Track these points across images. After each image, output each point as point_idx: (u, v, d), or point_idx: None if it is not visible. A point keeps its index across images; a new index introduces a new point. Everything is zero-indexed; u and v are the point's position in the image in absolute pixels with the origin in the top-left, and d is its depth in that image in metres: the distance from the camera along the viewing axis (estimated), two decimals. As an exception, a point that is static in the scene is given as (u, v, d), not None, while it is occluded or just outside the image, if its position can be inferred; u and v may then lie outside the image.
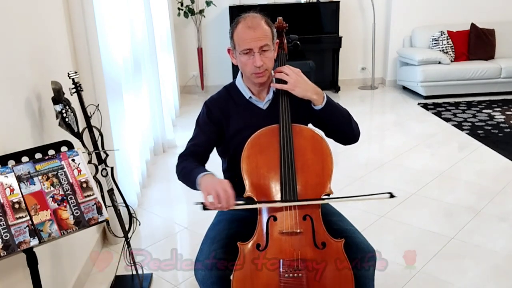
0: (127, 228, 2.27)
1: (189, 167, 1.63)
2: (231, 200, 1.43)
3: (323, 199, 1.56)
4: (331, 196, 1.57)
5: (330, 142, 1.69)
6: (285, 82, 1.65)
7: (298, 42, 1.83)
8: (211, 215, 1.86)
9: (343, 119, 1.72)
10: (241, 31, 1.60)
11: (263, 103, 1.74)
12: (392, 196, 1.52)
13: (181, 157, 1.72)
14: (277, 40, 1.70)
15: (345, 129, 1.73)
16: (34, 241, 1.37)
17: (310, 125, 1.74)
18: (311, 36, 5.97)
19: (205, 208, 1.45)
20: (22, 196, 1.40)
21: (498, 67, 5.59)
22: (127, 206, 2.25)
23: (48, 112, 2.02)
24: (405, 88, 6.24)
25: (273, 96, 1.73)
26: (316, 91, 1.65)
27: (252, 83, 1.71)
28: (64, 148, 1.54)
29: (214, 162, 1.90)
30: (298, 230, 1.50)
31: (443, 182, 3.42)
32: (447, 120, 4.90)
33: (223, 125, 1.74)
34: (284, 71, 1.65)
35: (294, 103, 1.66)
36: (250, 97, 1.73)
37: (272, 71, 1.72)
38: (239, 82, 1.76)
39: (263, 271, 1.48)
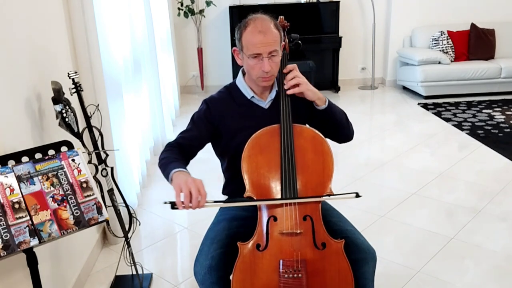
0: (127, 228, 2.27)
1: (170, 159, 1.61)
2: (203, 200, 1.42)
3: (305, 197, 1.54)
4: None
5: (330, 142, 1.69)
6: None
7: (299, 42, 1.83)
8: (211, 215, 1.86)
9: (342, 118, 1.75)
10: (250, 35, 1.59)
11: (265, 103, 1.74)
12: (358, 196, 1.52)
13: (168, 146, 1.71)
14: (283, 42, 1.69)
15: (343, 128, 1.77)
16: (34, 241, 1.37)
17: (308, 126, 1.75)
18: (311, 36, 5.97)
19: (173, 207, 1.42)
20: (22, 196, 1.40)
21: (498, 67, 5.59)
22: (127, 206, 2.25)
23: (48, 112, 2.02)
24: (405, 88, 6.24)
25: (275, 96, 1.73)
26: (318, 92, 1.68)
27: (255, 84, 1.71)
28: (64, 148, 1.54)
29: (214, 162, 1.89)
30: (298, 231, 1.50)
31: (443, 182, 3.42)
32: (447, 120, 4.90)
33: (220, 125, 1.73)
34: (297, 75, 1.64)
35: (294, 103, 1.66)
36: (252, 96, 1.73)
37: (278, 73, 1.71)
38: (240, 82, 1.76)
39: (263, 271, 1.48)
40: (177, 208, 1.41)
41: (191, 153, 1.74)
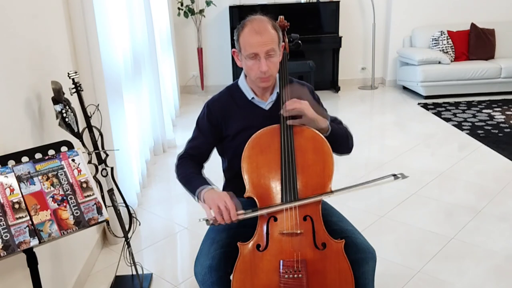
0: (127, 228, 2.27)
1: (191, 174, 1.67)
2: (233, 211, 1.46)
3: (323, 193, 1.54)
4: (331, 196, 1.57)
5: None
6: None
7: (299, 42, 1.83)
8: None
9: (343, 141, 1.75)
10: (247, 35, 1.60)
11: (265, 104, 1.74)
12: (396, 177, 1.50)
13: (181, 158, 1.75)
14: (283, 43, 1.69)
15: (342, 148, 1.76)
16: (34, 241, 1.37)
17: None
18: (311, 36, 5.97)
19: (209, 223, 1.49)
20: (22, 196, 1.40)
21: (498, 67, 5.59)
22: (127, 206, 2.25)
23: (48, 112, 2.02)
24: (405, 88, 6.24)
25: (276, 97, 1.73)
26: (323, 119, 1.65)
27: (256, 85, 1.71)
28: (64, 148, 1.54)
29: (214, 162, 1.89)
30: (299, 231, 1.50)
31: (443, 182, 3.42)
32: (447, 120, 4.90)
33: (223, 126, 1.74)
34: (296, 107, 1.59)
35: None
36: (253, 97, 1.73)
37: (280, 92, 1.70)
38: (242, 83, 1.76)
39: (263, 271, 1.48)
40: (213, 224, 1.49)
41: (204, 159, 1.79)
